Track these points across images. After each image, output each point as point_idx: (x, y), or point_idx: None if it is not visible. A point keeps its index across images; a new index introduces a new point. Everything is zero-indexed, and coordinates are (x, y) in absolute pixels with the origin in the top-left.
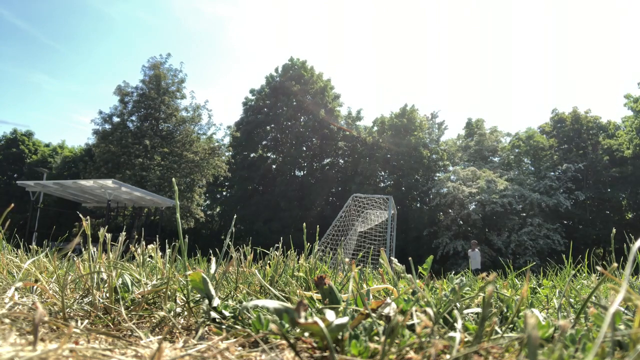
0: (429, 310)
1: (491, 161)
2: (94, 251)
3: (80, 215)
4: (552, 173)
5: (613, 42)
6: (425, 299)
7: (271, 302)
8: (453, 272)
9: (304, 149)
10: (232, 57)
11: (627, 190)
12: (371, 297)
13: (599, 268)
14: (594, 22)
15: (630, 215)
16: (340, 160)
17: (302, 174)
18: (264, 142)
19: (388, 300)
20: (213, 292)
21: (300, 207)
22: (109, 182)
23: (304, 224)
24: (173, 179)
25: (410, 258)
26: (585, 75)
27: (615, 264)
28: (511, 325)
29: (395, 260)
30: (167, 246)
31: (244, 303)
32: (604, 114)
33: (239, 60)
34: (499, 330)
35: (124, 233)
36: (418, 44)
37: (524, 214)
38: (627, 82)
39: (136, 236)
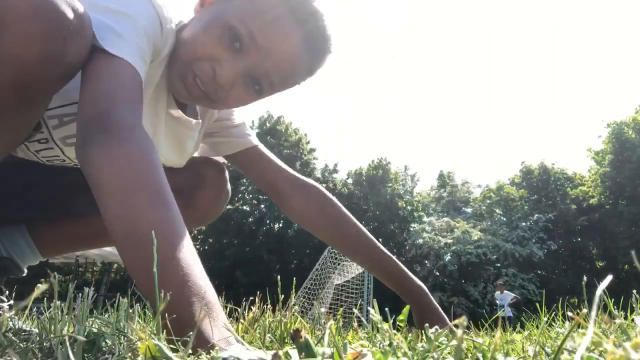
0: None
1: (464, 212)
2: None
3: (48, 271)
4: (524, 223)
5: (575, 99)
6: (403, 350)
7: (245, 352)
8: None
9: None
10: None
11: (595, 239)
12: (348, 349)
13: (569, 314)
14: (557, 80)
15: (600, 264)
16: None
17: (279, 226)
18: (239, 195)
19: (365, 351)
20: (173, 356)
21: (278, 260)
22: None
23: (278, 277)
24: (152, 232)
25: (387, 309)
26: (551, 129)
27: (586, 310)
28: None
29: (372, 311)
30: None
31: (217, 354)
32: (569, 166)
33: None
34: None
35: (92, 287)
36: (387, 99)
37: (499, 264)
38: (588, 134)
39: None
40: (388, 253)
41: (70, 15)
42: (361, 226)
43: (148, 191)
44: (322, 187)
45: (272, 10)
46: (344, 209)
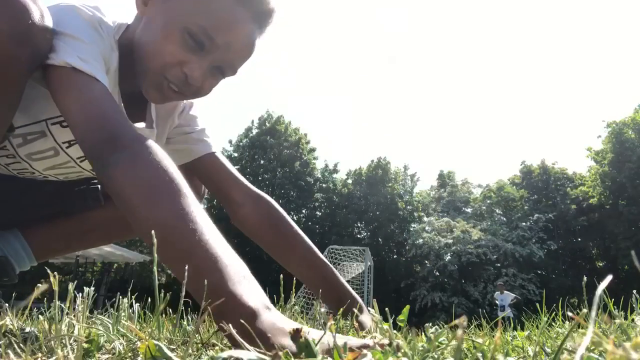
0: None
1: (464, 212)
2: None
3: (48, 271)
4: (524, 223)
5: (575, 99)
6: (402, 350)
7: (246, 353)
8: (430, 323)
9: (281, 201)
10: (209, 106)
11: (595, 238)
12: (348, 349)
13: (569, 314)
14: (557, 81)
15: (600, 264)
16: (318, 212)
17: None
18: None
19: (365, 351)
20: (173, 356)
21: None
22: None
23: (281, 277)
24: (152, 232)
25: (387, 309)
26: (551, 129)
27: (586, 310)
28: None
29: (372, 311)
30: (138, 303)
31: (217, 355)
32: (569, 166)
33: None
34: None
35: (92, 287)
36: (387, 99)
37: (499, 264)
38: (589, 134)
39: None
40: (333, 270)
41: (32, 4)
42: (309, 242)
43: (173, 192)
44: (272, 200)
45: (218, 3)
46: (291, 222)
